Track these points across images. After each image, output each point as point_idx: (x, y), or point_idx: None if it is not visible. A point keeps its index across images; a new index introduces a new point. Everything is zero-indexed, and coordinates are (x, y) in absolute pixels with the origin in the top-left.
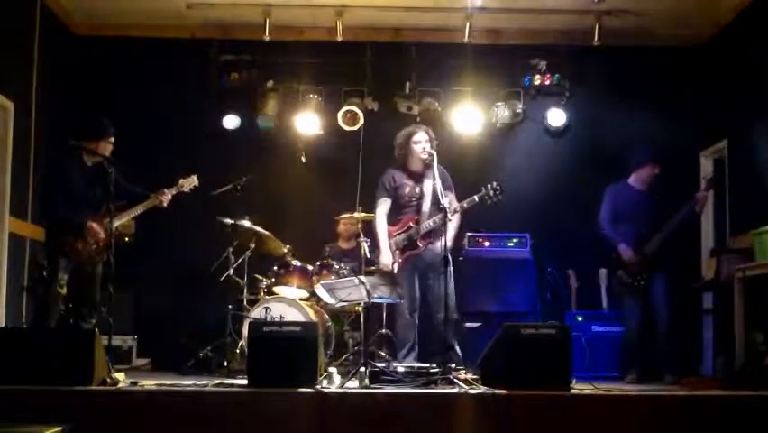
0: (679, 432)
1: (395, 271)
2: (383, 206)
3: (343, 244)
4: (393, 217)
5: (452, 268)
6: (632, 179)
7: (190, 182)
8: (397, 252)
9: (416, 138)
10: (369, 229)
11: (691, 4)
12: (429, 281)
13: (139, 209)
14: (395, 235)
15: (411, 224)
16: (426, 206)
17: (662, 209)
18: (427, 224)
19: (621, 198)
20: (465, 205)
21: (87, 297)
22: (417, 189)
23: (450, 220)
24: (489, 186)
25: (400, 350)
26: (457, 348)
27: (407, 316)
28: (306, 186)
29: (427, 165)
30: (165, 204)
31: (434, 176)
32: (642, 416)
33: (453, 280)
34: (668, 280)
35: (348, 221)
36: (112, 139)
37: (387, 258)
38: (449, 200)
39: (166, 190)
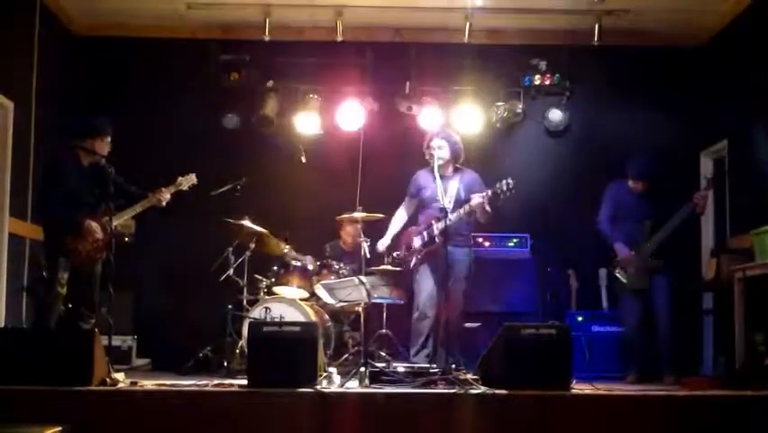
0: (679, 432)
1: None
2: (405, 203)
3: (345, 245)
4: (418, 217)
5: (465, 271)
6: (630, 181)
7: (189, 180)
8: (417, 249)
9: (431, 144)
10: (369, 229)
11: (691, 4)
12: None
13: (137, 209)
14: (416, 235)
15: (433, 222)
16: (450, 207)
17: (661, 211)
18: (445, 221)
19: (620, 198)
20: (479, 199)
21: (87, 297)
22: (441, 190)
23: (450, 220)
24: (502, 181)
25: (412, 348)
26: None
27: (419, 313)
28: (306, 186)
29: (455, 168)
30: (163, 203)
31: (459, 179)
32: (642, 416)
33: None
34: (668, 281)
35: (352, 224)
36: (108, 138)
37: (381, 243)
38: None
39: (164, 189)
